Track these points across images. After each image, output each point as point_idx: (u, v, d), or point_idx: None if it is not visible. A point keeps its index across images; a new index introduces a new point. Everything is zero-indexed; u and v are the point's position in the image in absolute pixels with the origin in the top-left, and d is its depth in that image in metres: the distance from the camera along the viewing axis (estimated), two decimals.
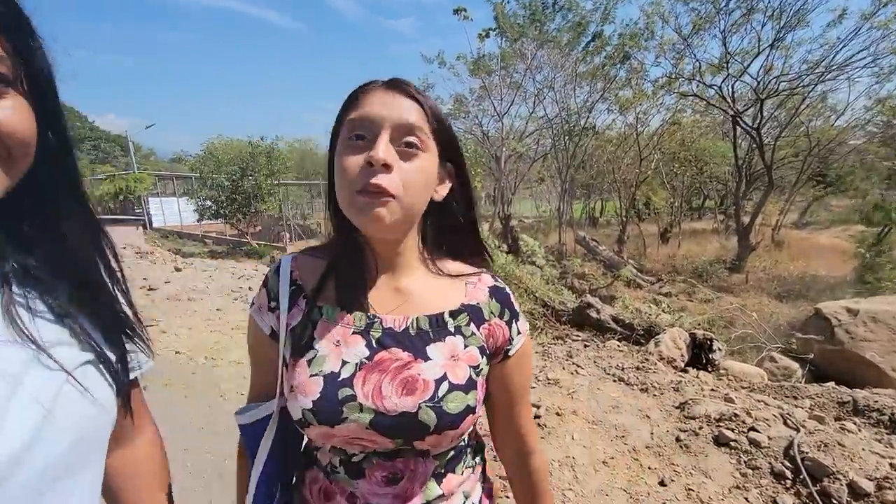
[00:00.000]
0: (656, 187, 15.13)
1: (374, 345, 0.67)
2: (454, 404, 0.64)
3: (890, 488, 2.11)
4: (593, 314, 5.94)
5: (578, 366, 3.71)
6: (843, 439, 2.48)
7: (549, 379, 3.47)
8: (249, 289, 6.83)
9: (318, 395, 0.64)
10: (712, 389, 3.25)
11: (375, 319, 0.68)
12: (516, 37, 7.51)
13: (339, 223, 0.69)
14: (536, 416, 2.95)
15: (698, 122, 12.24)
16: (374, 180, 0.59)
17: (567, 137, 9.97)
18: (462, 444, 0.75)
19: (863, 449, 2.41)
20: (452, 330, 0.69)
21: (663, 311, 6.34)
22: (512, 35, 7.40)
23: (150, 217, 20.02)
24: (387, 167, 0.60)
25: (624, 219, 13.80)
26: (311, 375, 0.65)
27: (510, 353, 0.74)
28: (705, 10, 7.84)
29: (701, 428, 2.76)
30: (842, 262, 10.29)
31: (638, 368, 3.58)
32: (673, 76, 8.90)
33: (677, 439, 2.73)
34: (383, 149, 0.59)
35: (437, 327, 0.69)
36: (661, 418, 2.96)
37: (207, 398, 3.45)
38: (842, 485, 2.18)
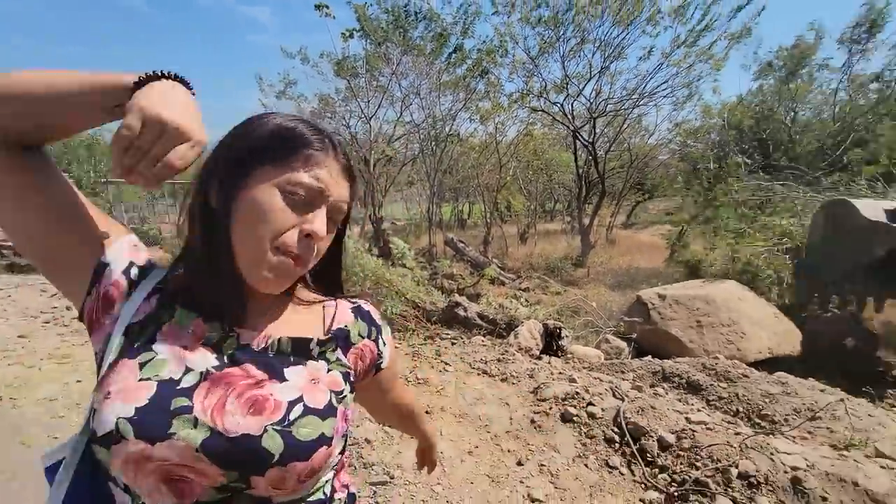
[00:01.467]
0: (515, 192, 16.56)
1: (226, 359, 0.60)
2: (306, 430, 0.57)
3: (686, 437, 2.62)
4: (461, 312, 6.26)
5: (446, 363, 3.86)
6: (654, 403, 2.99)
7: (419, 379, 3.54)
8: (67, 308, 5.65)
9: (146, 402, 0.53)
10: (560, 372, 3.66)
11: (232, 334, 0.62)
12: (380, 40, 7.57)
13: (208, 236, 0.60)
14: None
15: (547, 134, 13.76)
16: (301, 251, 0.59)
17: (434, 143, 10.35)
18: (320, 498, 0.65)
19: (668, 409, 2.94)
20: (316, 355, 0.66)
21: (522, 305, 6.95)
22: (376, 38, 7.44)
23: None
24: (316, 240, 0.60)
25: (488, 221, 14.80)
26: (141, 380, 0.55)
27: (382, 365, 0.77)
28: (548, 36, 8.88)
29: (551, 408, 3.09)
30: (658, 255, 12.48)
31: (499, 360, 3.87)
32: (524, 92, 9.88)
33: (532, 421, 3.01)
34: (323, 228, 0.60)
35: (299, 351, 0.64)
36: (519, 404, 3.24)
37: (5, 447, 2.77)
38: (653, 440, 2.64)
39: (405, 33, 8.33)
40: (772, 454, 2.42)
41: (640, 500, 2.36)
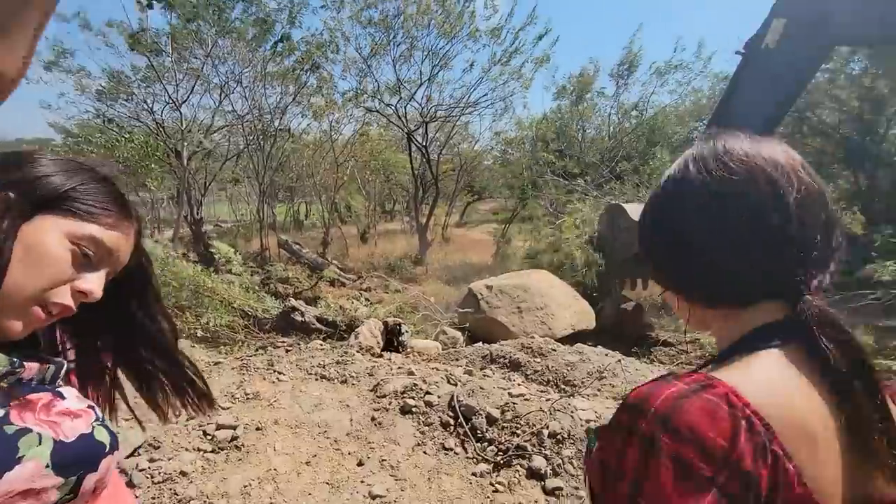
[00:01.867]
0: (354, 192, 16.41)
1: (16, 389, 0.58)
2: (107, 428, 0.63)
3: (508, 410, 2.93)
4: (298, 317, 5.92)
5: (280, 373, 3.60)
6: (483, 384, 3.28)
7: (247, 394, 3.22)
8: None
9: None
10: (399, 367, 3.74)
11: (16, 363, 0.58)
12: (190, 16, 6.63)
13: None
14: (234, 439, 2.69)
15: (383, 135, 13.97)
16: (62, 311, 0.57)
17: (262, 137, 9.55)
18: None
19: (494, 387, 3.26)
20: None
21: (363, 305, 6.91)
22: (184, 14, 6.49)
23: None
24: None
25: (327, 222, 14.35)
26: None
27: None
28: (380, 38, 9.04)
29: (390, 403, 3.14)
30: (487, 250, 13.78)
31: (339, 363, 3.77)
32: (359, 92, 9.85)
33: (372, 419, 3.01)
34: (100, 290, 0.59)
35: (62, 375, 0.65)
36: (359, 404, 3.20)
37: None
38: (482, 417, 2.89)
39: (220, 13, 7.48)
40: (572, 412, 2.88)
41: (473, 473, 2.56)
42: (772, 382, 0.47)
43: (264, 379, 3.52)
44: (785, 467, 0.42)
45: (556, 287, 6.68)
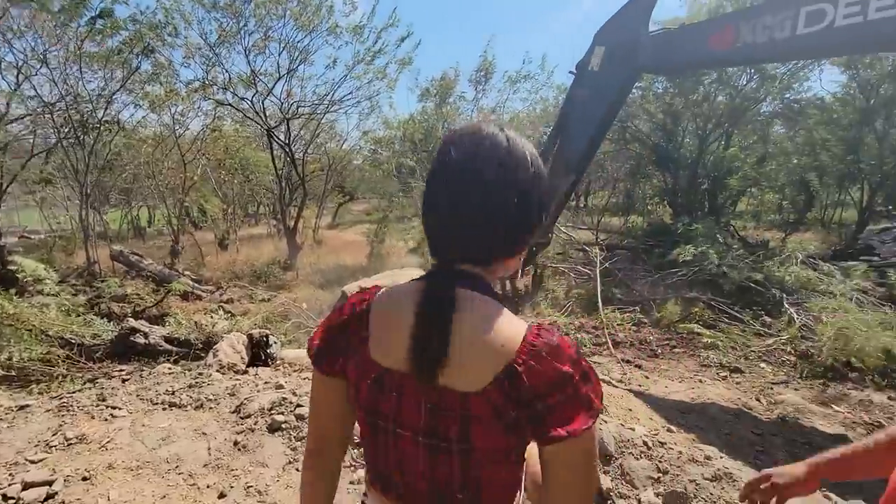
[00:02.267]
0: (208, 194, 14.72)
1: None
2: None
3: None
4: (140, 340, 5.11)
5: (115, 407, 3.07)
6: None
7: (69, 439, 2.68)
8: None
9: None
10: (266, 382, 3.47)
11: None
12: None
13: None
14: (50, 497, 2.21)
15: (239, 131, 12.78)
16: None
17: (80, 130, 7.97)
18: None
19: None
20: None
21: (222, 318, 6.25)
22: None
23: None
24: None
25: (175, 228, 12.65)
26: None
27: None
28: (228, 25, 8.21)
29: (256, 423, 2.89)
30: (362, 252, 13.53)
31: (191, 386, 3.35)
32: (206, 82, 8.83)
33: (235, 443, 2.74)
34: None
35: None
36: (219, 429, 2.89)
37: None
38: None
39: None
40: None
41: (350, 482, 2.50)
42: (393, 291, 0.76)
43: (93, 418, 2.96)
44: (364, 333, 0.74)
45: None
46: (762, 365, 5.11)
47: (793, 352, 5.26)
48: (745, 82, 11.21)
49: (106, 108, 8.14)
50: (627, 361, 5.34)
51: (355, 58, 9.85)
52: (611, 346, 5.68)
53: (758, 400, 4.30)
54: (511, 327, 0.67)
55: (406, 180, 12.10)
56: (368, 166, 15.97)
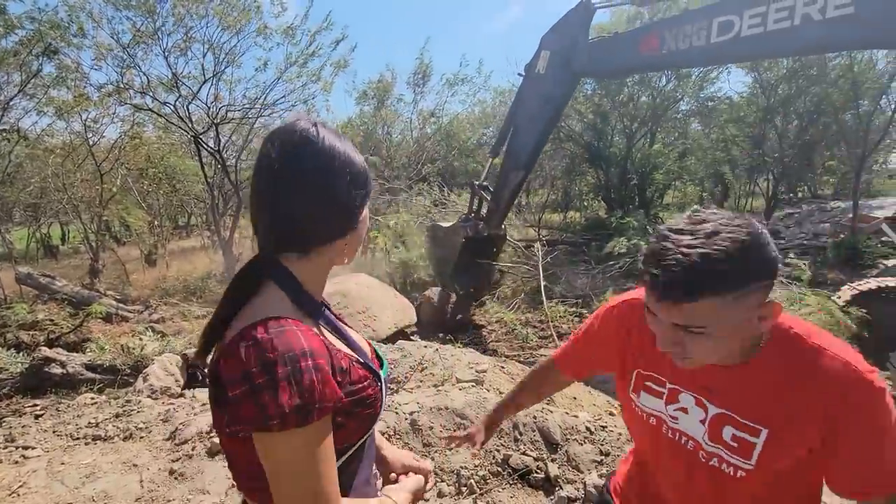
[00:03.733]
0: (130, 207, 13.64)
1: None
2: None
3: None
4: (57, 370, 4.63)
5: (28, 447, 2.77)
6: None
7: None
8: None
9: None
10: (203, 404, 3.27)
11: None
12: None
13: None
14: None
15: (162, 138, 11.94)
16: None
17: None
18: None
19: None
20: None
21: (153, 340, 5.81)
22: None
23: None
24: None
25: (95, 245, 11.61)
26: None
27: None
28: (143, 24, 7.63)
29: (194, 448, 2.72)
30: None
31: (118, 416, 3.09)
32: (122, 86, 8.16)
33: (171, 472, 2.56)
34: None
35: None
36: (152, 459, 2.69)
37: None
38: None
39: None
40: (396, 409, 2.95)
41: None
42: None
43: (2, 462, 2.65)
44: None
45: (375, 288, 6.78)
46: None
47: None
48: (664, 83, 12.06)
49: (2, 116, 7.30)
50: None
51: (288, 60, 9.54)
52: (556, 338, 5.89)
53: None
54: (249, 318, 0.68)
55: None
56: None
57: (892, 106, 11.46)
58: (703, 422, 0.88)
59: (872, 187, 15.87)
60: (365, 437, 0.80)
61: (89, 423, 3.01)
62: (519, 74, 5.92)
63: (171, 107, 8.89)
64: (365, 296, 6.35)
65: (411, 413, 2.91)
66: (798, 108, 11.73)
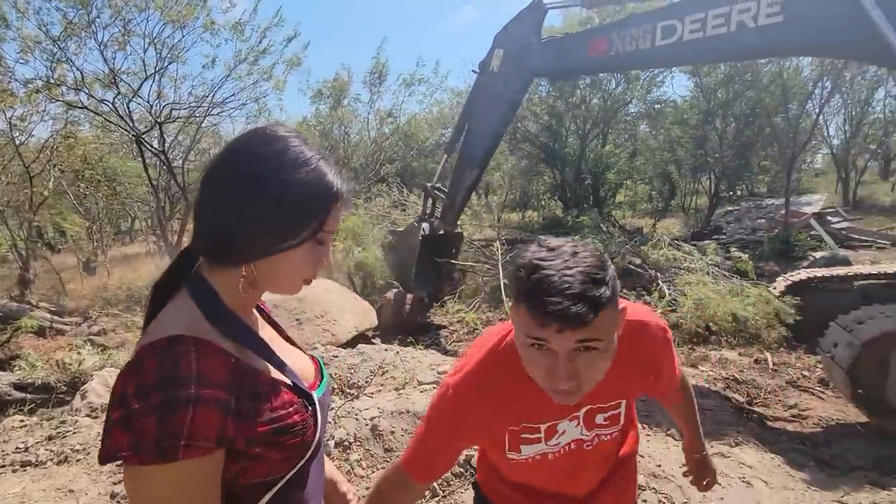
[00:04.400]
0: (66, 211, 12.69)
1: None
2: None
3: None
4: None
5: None
6: None
7: None
8: None
9: None
10: None
11: None
12: None
13: None
14: None
15: (101, 138, 11.18)
16: None
17: None
18: None
19: None
20: None
21: (92, 354, 5.43)
22: None
23: None
24: None
25: (25, 253, 10.73)
26: None
27: None
28: (76, 16, 7.09)
29: None
30: None
31: (51, 438, 2.86)
32: (52, 81, 7.56)
33: (113, 496, 2.40)
34: None
35: None
36: (91, 482, 2.50)
37: None
38: None
39: None
40: (357, 415, 2.90)
41: None
42: None
43: None
44: None
45: (334, 291, 6.64)
46: None
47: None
48: (614, 86, 12.53)
49: None
50: None
51: (237, 57, 9.17)
52: None
53: None
54: (152, 333, 0.63)
55: None
56: None
57: (817, 110, 12.45)
58: (578, 426, 0.99)
59: (801, 185, 17.15)
60: (299, 467, 0.72)
61: (17, 448, 2.77)
62: (473, 72, 5.97)
63: (110, 105, 8.34)
64: (323, 300, 6.20)
65: (372, 418, 2.86)
66: (735, 111, 12.52)
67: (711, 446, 2.99)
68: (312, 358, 0.86)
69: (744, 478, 2.52)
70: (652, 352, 1.00)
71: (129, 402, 0.56)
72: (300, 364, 0.80)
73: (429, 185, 6.63)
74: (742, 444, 3.25)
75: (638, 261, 7.72)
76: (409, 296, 7.37)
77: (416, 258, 6.50)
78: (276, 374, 0.71)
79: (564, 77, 10.41)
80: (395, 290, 7.41)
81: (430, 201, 6.65)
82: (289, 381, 0.72)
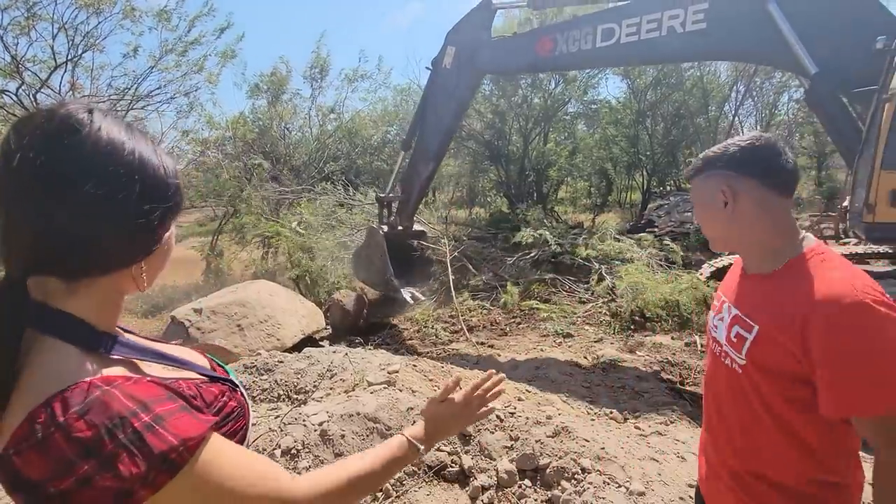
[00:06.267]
0: None
1: None
2: None
3: None
4: None
5: None
6: None
7: None
8: None
9: None
10: None
11: None
12: None
13: None
14: None
15: (2, 133, 10.00)
16: None
17: None
18: None
19: None
20: None
21: None
22: None
23: None
24: None
25: None
26: None
27: None
28: None
29: None
30: (196, 269, 11.89)
31: None
32: None
33: None
34: None
35: None
36: None
37: None
38: None
39: None
40: (304, 421, 2.80)
41: None
42: None
43: None
44: None
45: (279, 294, 6.39)
46: (586, 327, 6.01)
47: (607, 313, 6.30)
48: (553, 86, 12.96)
49: None
50: (481, 343, 5.75)
51: (163, 47, 8.55)
52: (466, 332, 6.04)
53: (585, 358, 5.04)
54: (35, 395, 0.52)
55: (243, 186, 11.04)
56: (194, 170, 14.12)
57: (733, 112, 13.58)
58: (726, 326, 1.05)
59: None
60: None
61: None
62: (427, 68, 6.10)
63: (13, 96, 7.50)
64: (267, 303, 5.96)
65: (320, 423, 2.78)
66: (663, 112, 13.37)
67: (650, 426, 3.18)
68: (200, 350, 0.80)
69: (678, 453, 2.70)
70: (809, 308, 0.82)
71: (76, 469, 0.48)
72: (192, 356, 0.75)
73: (381, 195, 6.76)
74: (676, 422, 3.48)
75: (584, 253, 8.01)
76: (364, 298, 7.23)
77: (386, 253, 6.33)
78: (187, 373, 0.68)
79: (513, 74, 10.69)
80: (346, 292, 7.24)
81: (384, 210, 6.69)
82: (203, 374, 0.70)
